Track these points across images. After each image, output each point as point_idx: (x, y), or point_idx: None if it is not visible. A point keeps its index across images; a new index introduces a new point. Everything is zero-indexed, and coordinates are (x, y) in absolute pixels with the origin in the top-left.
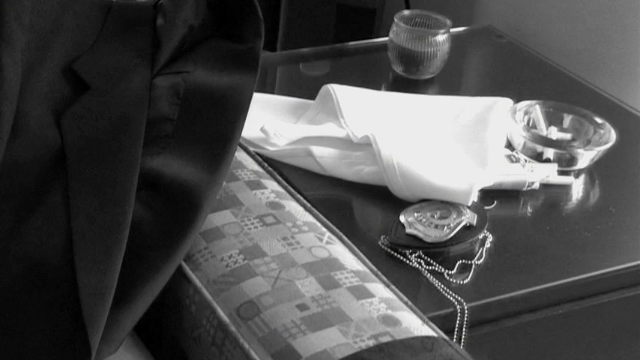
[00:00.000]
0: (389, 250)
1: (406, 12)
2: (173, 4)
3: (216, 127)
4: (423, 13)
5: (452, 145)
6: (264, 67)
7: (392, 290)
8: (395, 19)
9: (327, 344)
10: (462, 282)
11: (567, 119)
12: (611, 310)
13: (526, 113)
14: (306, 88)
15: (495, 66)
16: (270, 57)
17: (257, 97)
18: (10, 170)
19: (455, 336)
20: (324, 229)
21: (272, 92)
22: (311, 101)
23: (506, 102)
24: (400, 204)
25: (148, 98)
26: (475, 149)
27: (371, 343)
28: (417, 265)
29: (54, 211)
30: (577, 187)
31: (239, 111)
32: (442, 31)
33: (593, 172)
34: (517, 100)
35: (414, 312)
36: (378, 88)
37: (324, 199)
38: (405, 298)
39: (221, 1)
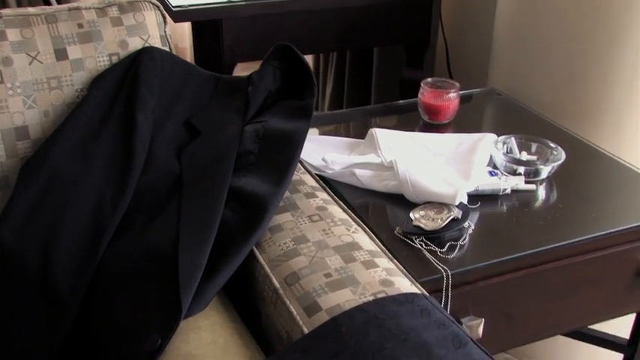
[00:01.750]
0: (401, 236)
1: (429, 79)
2: (259, 76)
3: (281, 157)
4: (440, 79)
5: (449, 165)
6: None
7: (394, 263)
8: (422, 84)
9: (340, 300)
10: (448, 256)
11: (534, 146)
12: (554, 274)
13: (504, 143)
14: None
15: (492, 113)
16: (360, 110)
17: (329, 138)
18: (144, 190)
19: (443, 293)
20: (353, 223)
21: (349, 132)
22: (362, 140)
23: (491, 136)
24: (411, 205)
25: (239, 139)
26: (464, 168)
27: (370, 298)
28: (419, 246)
29: (170, 217)
30: (538, 192)
31: (296, 147)
32: (452, 90)
33: (552, 180)
34: (500, 135)
35: (407, 277)
36: (413, 130)
37: (362, 204)
38: (402, 268)
39: (290, 72)
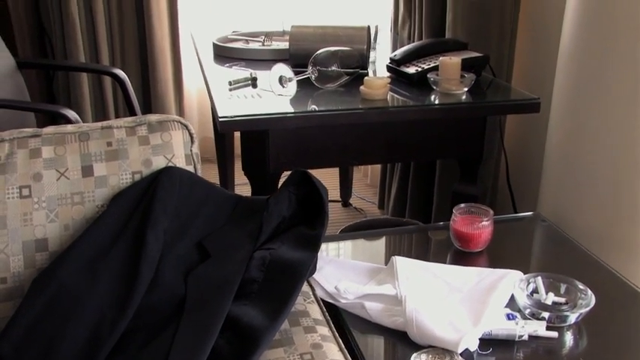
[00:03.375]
0: None
1: (462, 205)
2: (275, 200)
3: (283, 288)
4: (474, 205)
5: (463, 304)
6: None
7: None
8: (454, 211)
9: None
10: None
11: (563, 287)
12: None
13: (529, 282)
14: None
15: (531, 243)
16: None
17: (351, 262)
18: (146, 310)
19: None
20: None
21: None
22: (384, 266)
23: (515, 274)
24: (417, 347)
25: (246, 266)
26: (475, 310)
27: None
28: None
29: (163, 343)
30: (561, 340)
31: (300, 278)
32: (485, 219)
33: (581, 326)
34: (531, 270)
35: None
36: (443, 257)
37: (367, 340)
38: None
39: (305, 200)
